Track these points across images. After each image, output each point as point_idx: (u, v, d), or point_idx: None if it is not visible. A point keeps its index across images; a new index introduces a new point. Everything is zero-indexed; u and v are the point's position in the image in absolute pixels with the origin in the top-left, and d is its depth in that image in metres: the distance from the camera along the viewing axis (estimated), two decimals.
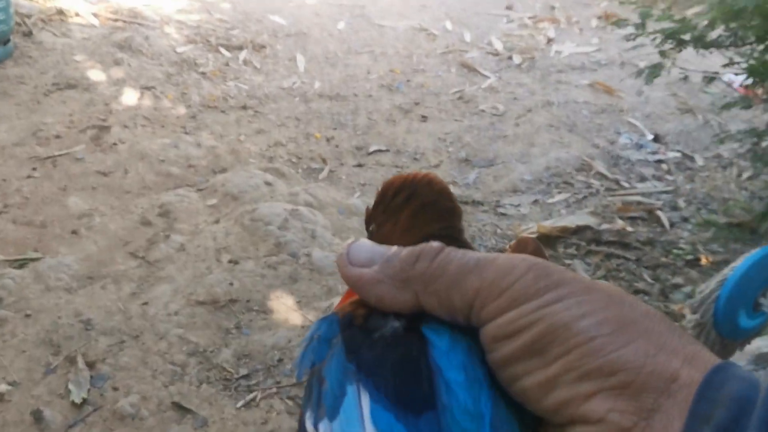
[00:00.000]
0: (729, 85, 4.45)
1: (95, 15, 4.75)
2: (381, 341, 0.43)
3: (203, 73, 4.31)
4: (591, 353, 0.38)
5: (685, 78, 3.40)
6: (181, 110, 3.87)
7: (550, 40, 5.05)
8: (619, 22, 3.33)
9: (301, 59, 4.66)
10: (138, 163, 3.32)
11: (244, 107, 4.00)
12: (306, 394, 0.44)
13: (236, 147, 3.55)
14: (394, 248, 0.45)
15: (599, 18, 5.48)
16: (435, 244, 0.44)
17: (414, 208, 0.53)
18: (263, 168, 3.34)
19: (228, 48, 4.68)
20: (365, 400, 0.41)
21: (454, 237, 0.52)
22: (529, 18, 5.48)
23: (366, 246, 0.46)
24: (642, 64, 4.72)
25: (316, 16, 5.39)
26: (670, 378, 0.38)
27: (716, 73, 3.50)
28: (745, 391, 0.36)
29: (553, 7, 5.76)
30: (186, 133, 3.64)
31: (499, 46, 4.97)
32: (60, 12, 4.64)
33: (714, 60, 3.36)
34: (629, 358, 0.38)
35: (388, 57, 4.81)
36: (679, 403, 0.37)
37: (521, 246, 0.50)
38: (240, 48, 4.70)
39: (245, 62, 4.55)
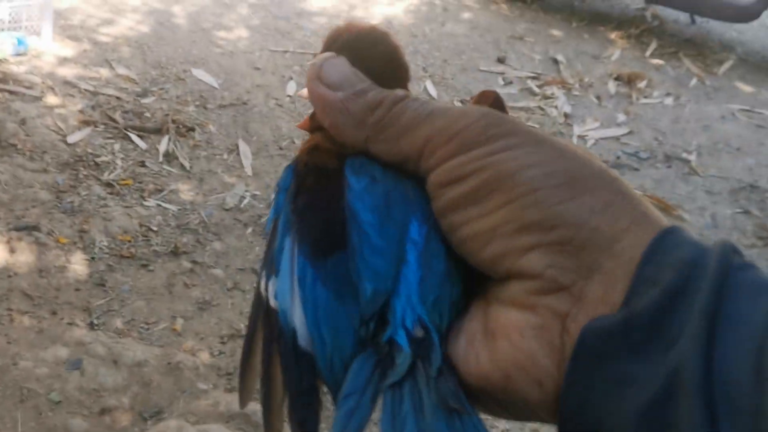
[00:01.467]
0: None
1: None
2: (313, 186, 0.43)
3: (109, 185, 2.98)
4: (532, 205, 0.37)
5: None
6: (81, 269, 2.55)
7: (566, 117, 3.93)
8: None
9: (246, 150, 3.37)
10: (16, 409, 2.02)
11: (175, 252, 2.72)
12: (264, 253, 0.44)
13: (174, 356, 2.28)
14: (367, 83, 0.44)
15: (616, 79, 4.38)
16: (399, 92, 0.43)
17: (349, 58, 0.45)
18: (223, 417, 2.09)
19: (141, 132, 3.34)
20: (295, 250, 0.41)
21: None
22: (531, 78, 4.33)
23: (341, 68, 0.44)
24: (693, 158, 3.69)
25: (256, 70, 4.06)
26: (613, 237, 0.37)
27: None
28: (697, 256, 0.35)
29: (555, 60, 4.62)
30: (93, 326, 2.34)
31: None
32: None
33: None
34: (573, 212, 0.37)
35: None
36: (623, 264, 0.36)
37: (482, 98, 0.46)
38: (158, 131, 3.37)
39: (168, 157, 3.23)
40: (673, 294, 0.34)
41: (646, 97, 4.22)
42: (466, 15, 5.08)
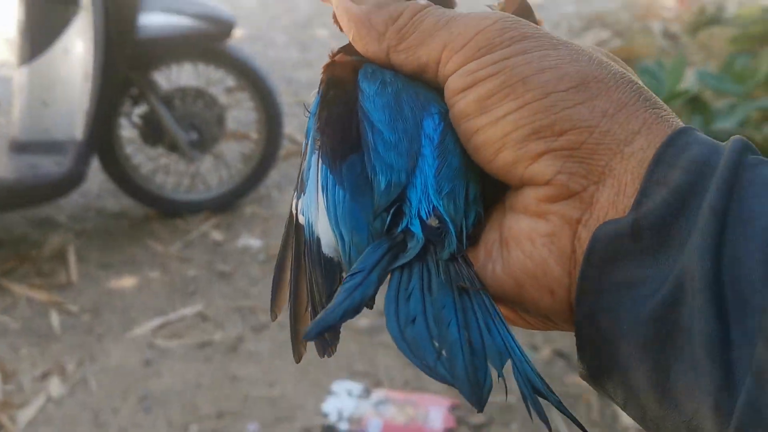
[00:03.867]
0: None
1: None
2: (332, 99, 0.43)
3: None
4: (543, 110, 0.36)
5: None
6: None
7: None
8: None
9: None
10: None
11: None
12: (297, 177, 0.44)
13: None
14: None
15: None
16: (421, 1, 0.42)
17: None
18: None
19: None
20: (319, 163, 0.42)
21: None
22: None
23: None
24: None
25: None
26: (625, 140, 0.35)
27: None
28: (709, 154, 0.34)
29: None
30: None
31: None
32: None
33: None
34: (584, 116, 0.36)
35: None
36: (633, 167, 0.35)
37: (508, 5, 0.46)
38: None
39: None
40: (682, 194, 0.33)
41: None
42: None
